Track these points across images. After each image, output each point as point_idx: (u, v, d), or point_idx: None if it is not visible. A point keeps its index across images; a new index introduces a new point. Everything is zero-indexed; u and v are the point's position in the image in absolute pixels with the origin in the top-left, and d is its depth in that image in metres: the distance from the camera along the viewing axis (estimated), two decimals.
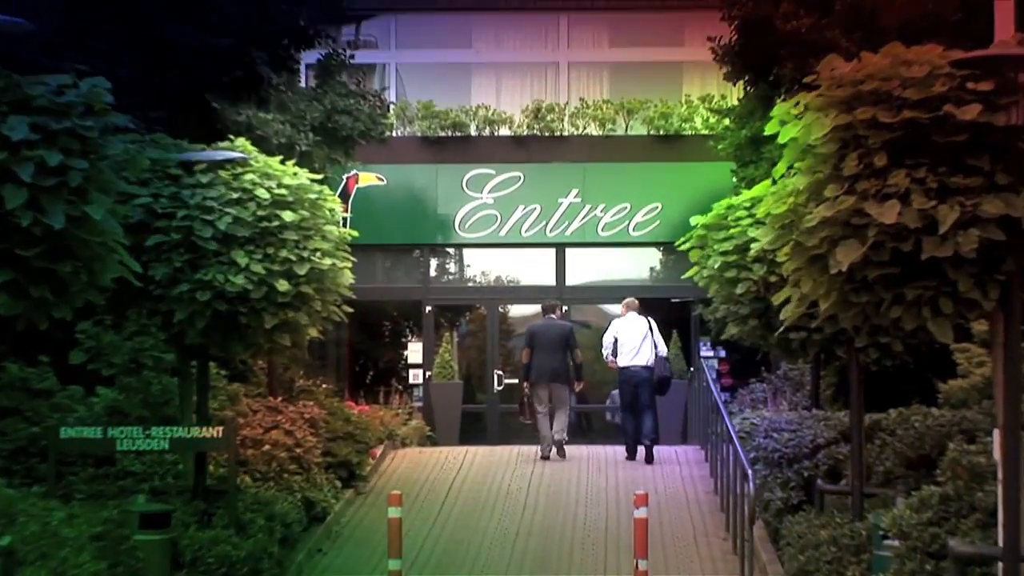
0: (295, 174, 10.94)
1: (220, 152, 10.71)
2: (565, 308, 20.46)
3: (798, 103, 7.47)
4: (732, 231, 11.78)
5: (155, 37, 13.50)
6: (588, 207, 21.67)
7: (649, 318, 17.04)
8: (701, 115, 22.02)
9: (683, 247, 13.07)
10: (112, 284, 8.44)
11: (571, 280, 21.97)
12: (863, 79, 7.12)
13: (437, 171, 21.93)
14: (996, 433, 7.32)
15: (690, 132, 21.98)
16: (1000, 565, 7.26)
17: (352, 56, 16.81)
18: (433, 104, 22.36)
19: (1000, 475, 7.26)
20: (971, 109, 6.82)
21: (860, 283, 7.21)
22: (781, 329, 10.46)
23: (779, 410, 15.00)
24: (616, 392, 18.75)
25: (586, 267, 22.18)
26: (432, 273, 22.43)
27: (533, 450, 17.03)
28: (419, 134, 22.34)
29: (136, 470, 11.46)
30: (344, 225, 12.94)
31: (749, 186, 14.27)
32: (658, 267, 22.49)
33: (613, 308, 19.01)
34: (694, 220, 12.86)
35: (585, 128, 22.52)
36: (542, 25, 23.22)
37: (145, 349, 12.78)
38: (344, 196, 20.63)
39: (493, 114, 22.44)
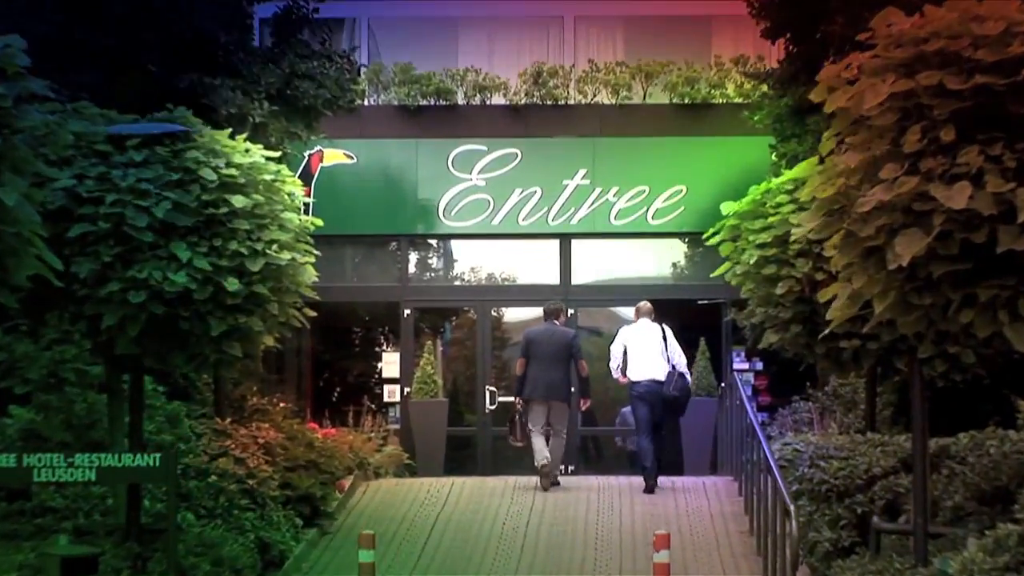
0: (247, 151, 10.96)
1: (157, 124, 10.72)
2: (571, 312, 20.49)
3: (849, 66, 7.50)
4: (771, 219, 11.81)
5: None
6: (598, 190, 21.68)
7: (664, 325, 17.08)
8: (734, 80, 22.06)
9: (712, 240, 13.10)
10: (27, 283, 8.44)
11: (578, 278, 21.99)
12: (927, 37, 7.15)
13: (417, 147, 21.95)
14: None
15: (720, 100, 22.02)
16: None
17: (316, 9, 16.80)
18: (413, 67, 22.35)
19: None
20: None
21: (924, 281, 7.23)
22: (825, 333, 10.42)
23: (827, 434, 15.01)
24: (627, 411, 18.77)
25: (596, 263, 22.19)
26: (411, 270, 22.45)
27: (531, 481, 17.04)
28: (396, 103, 22.36)
29: (57, 505, 11.46)
30: (306, 212, 12.96)
31: (791, 165, 14.32)
32: (682, 263, 22.52)
33: (628, 312, 19.02)
34: (725, 207, 12.89)
35: (595, 96, 22.54)
36: None
37: (67, 361, 12.77)
38: (306, 177, 20.63)
39: (484, 79, 22.44)
